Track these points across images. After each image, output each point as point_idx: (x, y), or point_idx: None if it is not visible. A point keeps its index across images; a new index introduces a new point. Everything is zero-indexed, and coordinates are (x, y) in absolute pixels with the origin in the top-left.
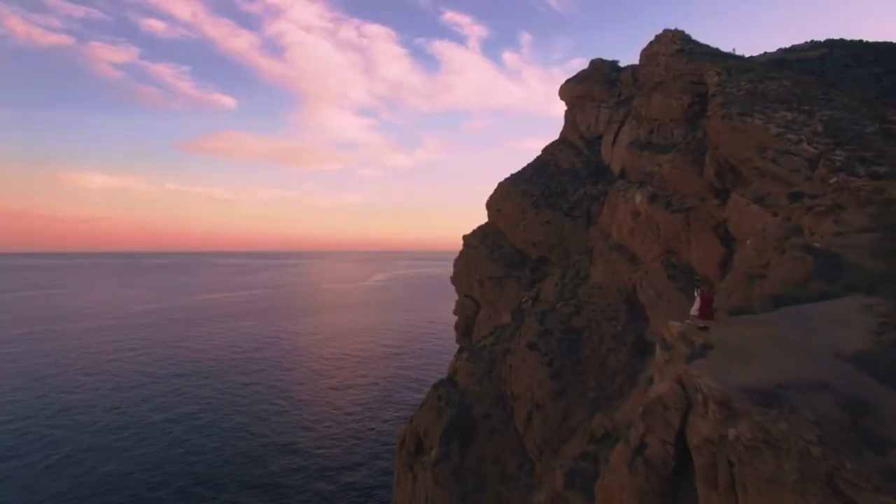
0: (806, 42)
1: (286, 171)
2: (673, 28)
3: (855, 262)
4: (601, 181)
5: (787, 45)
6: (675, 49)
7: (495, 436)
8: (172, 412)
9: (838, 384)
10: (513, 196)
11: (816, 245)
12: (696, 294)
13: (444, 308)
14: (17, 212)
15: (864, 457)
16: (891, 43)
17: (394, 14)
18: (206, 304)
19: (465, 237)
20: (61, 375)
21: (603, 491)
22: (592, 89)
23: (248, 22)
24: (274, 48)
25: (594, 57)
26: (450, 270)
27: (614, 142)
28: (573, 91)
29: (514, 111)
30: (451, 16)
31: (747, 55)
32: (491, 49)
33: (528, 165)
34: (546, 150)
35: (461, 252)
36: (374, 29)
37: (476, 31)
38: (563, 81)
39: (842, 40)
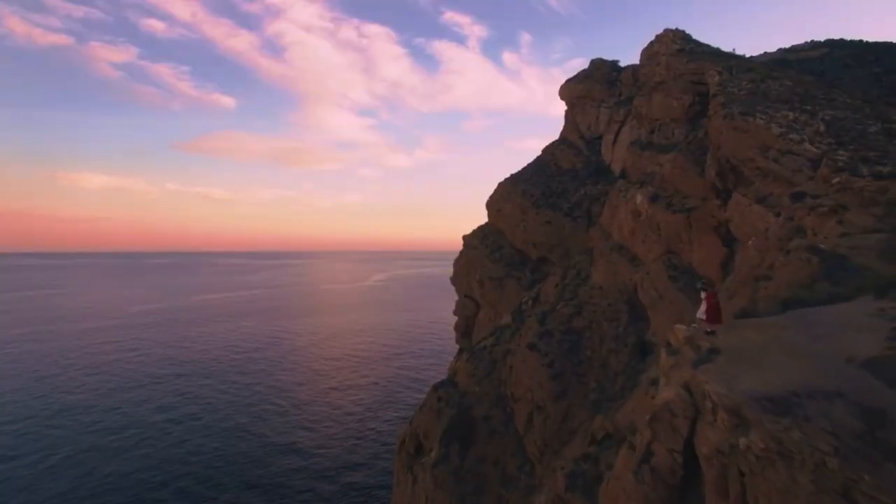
0: (806, 42)
1: (286, 171)
2: (673, 28)
3: (862, 263)
4: (601, 181)
5: (787, 45)
6: (675, 49)
7: (495, 437)
8: (173, 412)
9: (852, 392)
10: (513, 196)
11: (822, 246)
12: (702, 297)
13: (444, 308)
14: (17, 212)
15: (884, 469)
16: (891, 43)
17: (394, 14)
18: (206, 305)
19: (465, 237)
20: (61, 375)
21: (607, 498)
22: (593, 89)
23: (247, 22)
24: (273, 48)
25: (594, 57)
26: (450, 270)
27: (615, 142)
28: (573, 91)
29: (513, 111)
30: (450, 16)
31: (747, 55)
32: (491, 49)
33: (528, 165)
34: (546, 150)
35: (461, 252)
36: (374, 29)
37: (476, 31)
38: (562, 81)
39: (842, 40)
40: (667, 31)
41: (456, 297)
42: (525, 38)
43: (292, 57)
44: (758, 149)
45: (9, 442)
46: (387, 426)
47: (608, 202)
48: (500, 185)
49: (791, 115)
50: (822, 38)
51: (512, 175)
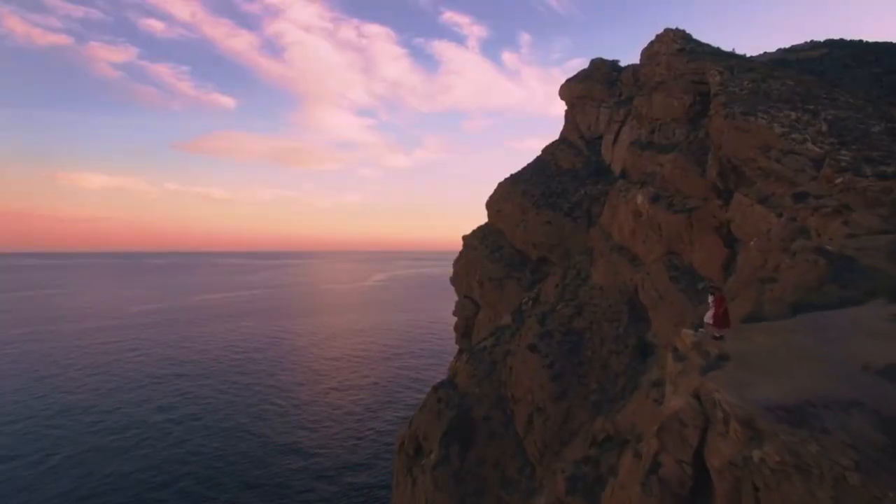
0: (806, 42)
1: (286, 171)
2: (673, 28)
3: (871, 265)
4: (601, 181)
5: (787, 45)
6: (676, 48)
7: (495, 439)
8: (173, 412)
9: (871, 401)
10: (513, 196)
11: (829, 248)
12: (710, 301)
13: (444, 308)
14: (17, 212)
15: None
16: (891, 43)
17: (393, 14)
18: (206, 305)
19: (464, 237)
20: (61, 376)
21: None
22: (593, 89)
23: (247, 22)
24: (273, 48)
25: (593, 57)
26: (450, 271)
27: (615, 142)
28: (573, 91)
29: (513, 111)
30: (450, 16)
31: (747, 55)
32: (490, 49)
33: (528, 165)
34: (546, 150)
35: (461, 252)
36: (374, 29)
37: (475, 31)
38: (562, 81)
39: (841, 40)
40: (667, 30)
41: (456, 298)
42: (524, 38)
43: (292, 57)
44: (759, 149)
45: (9, 442)
46: (387, 426)
47: (608, 202)
48: (500, 185)
49: (793, 115)
50: (821, 38)
51: (512, 175)
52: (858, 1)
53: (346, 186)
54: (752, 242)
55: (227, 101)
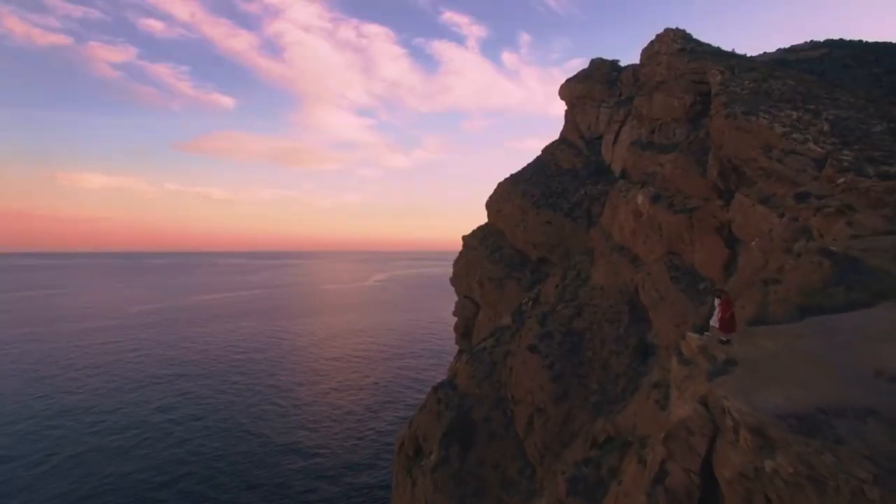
0: (805, 42)
1: (286, 171)
2: (673, 27)
3: (877, 266)
4: (602, 181)
5: (787, 45)
6: (676, 48)
7: (495, 440)
8: (173, 412)
9: (886, 410)
10: (513, 196)
11: (833, 248)
12: (716, 304)
13: (444, 308)
14: (17, 212)
15: None
16: (891, 43)
17: (393, 14)
18: (206, 305)
19: (464, 238)
20: (62, 376)
21: None
22: (593, 89)
23: (246, 22)
24: (273, 48)
25: (592, 57)
26: (449, 271)
27: (615, 142)
28: (573, 91)
29: (513, 111)
30: (450, 16)
31: (747, 55)
32: (490, 49)
33: (528, 165)
34: (546, 150)
35: (461, 253)
36: (373, 29)
37: (475, 31)
38: (561, 81)
39: (841, 40)
40: (667, 30)
41: (456, 298)
42: (524, 38)
43: (291, 57)
44: (761, 148)
45: (9, 442)
46: (387, 426)
47: (608, 202)
48: (500, 185)
49: (794, 115)
50: (821, 38)
51: (512, 175)
52: (858, 1)
53: (345, 186)
54: (753, 243)
55: (227, 101)
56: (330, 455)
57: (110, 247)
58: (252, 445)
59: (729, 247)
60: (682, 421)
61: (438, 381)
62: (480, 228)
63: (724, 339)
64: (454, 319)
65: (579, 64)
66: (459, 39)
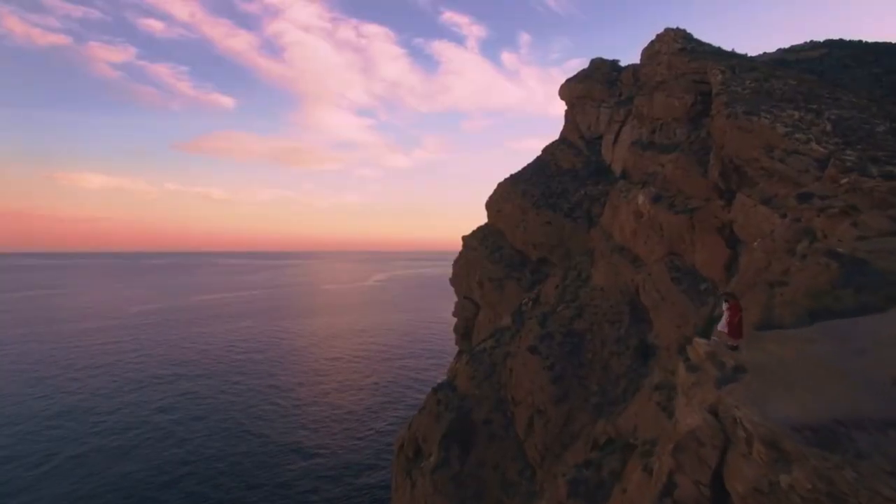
0: (805, 42)
1: (285, 171)
2: (674, 27)
3: (886, 268)
4: (602, 181)
5: (787, 45)
6: (677, 48)
7: (495, 441)
8: (174, 413)
9: None
10: (513, 196)
11: (840, 250)
12: (724, 308)
13: (443, 308)
14: (17, 212)
15: None
16: (891, 43)
17: (392, 14)
18: (206, 305)
19: (464, 238)
20: (62, 376)
21: None
22: (593, 89)
23: (246, 22)
24: (272, 48)
25: (592, 57)
26: (449, 271)
27: (615, 142)
28: (573, 91)
29: (513, 111)
30: (449, 16)
31: (748, 55)
32: (489, 49)
33: (528, 165)
34: (546, 150)
35: (460, 253)
36: (373, 29)
37: (475, 31)
38: (561, 81)
39: (841, 40)
40: (668, 30)
41: (455, 298)
42: (524, 38)
43: (291, 57)
44: (762, 148)
45: (10, 443)
46: (387, 426)
47: (609, 202)
48: (500, 185)
49: (796, 115)
50: (821, 38)
51: (512, 175)
52: (858, 1)
53: (345, 186)
54: (755, 243)
55: (227, 101)
56: (330, 455)
57: (110, 247)
58: (252, 445)
59: (730, 247)
60: (692, 431)
61: (438, 381)
62: (480, 229)
63: (732, 344)
64: (454, 320)
65: (579, 64)
66: (459, 39)
